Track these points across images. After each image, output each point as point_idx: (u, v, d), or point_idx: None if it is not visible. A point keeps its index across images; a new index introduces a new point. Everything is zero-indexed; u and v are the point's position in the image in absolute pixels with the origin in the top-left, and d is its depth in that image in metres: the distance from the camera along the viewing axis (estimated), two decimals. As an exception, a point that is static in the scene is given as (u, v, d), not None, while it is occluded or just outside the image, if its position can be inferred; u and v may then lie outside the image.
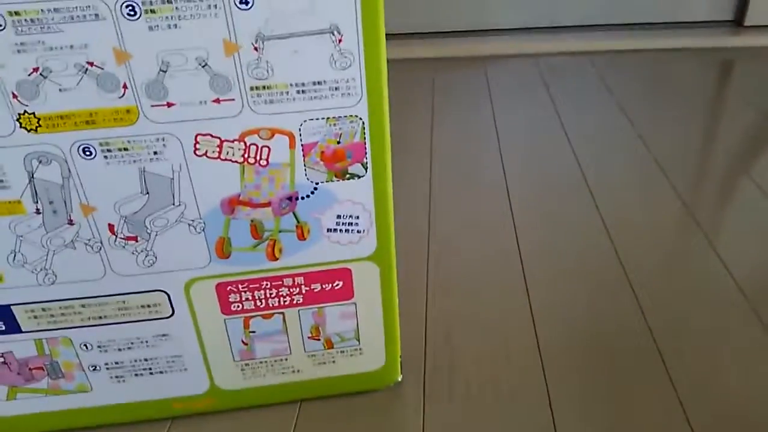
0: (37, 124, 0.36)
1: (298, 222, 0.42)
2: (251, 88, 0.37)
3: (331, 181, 0.41)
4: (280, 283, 0.44)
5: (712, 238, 0.71)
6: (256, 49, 0.36)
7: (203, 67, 0.36)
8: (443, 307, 0.62)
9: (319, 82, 0.37)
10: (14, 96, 0.35)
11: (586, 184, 0.83)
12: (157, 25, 0.34)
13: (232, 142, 0.38)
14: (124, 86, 0.36)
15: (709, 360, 0.55)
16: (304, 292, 0.45)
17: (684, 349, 0.56)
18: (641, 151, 0.91)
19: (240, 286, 0.44)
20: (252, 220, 0.41)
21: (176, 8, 0.34)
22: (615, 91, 1.12)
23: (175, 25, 0.34)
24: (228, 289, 0.43)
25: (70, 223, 0.39)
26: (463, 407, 0.51)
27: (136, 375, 0.47)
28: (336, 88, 0.38)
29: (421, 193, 0.82)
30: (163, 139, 0.37)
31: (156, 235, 0.40)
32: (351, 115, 0.39)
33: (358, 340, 0.48)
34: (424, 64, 1.28)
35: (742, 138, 0.95)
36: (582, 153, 0.91)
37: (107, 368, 0.46)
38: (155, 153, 0.38)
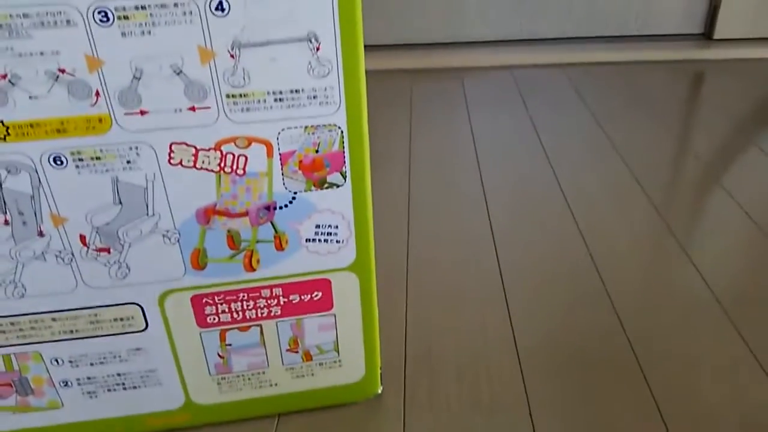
0: (6, 133, 0.35)
1: (276, 232, 0.41)
2: (227, 96, 0.36)
3: (310, 190, 0.40)
4: (258, 294, 0.43)
5: (685, 246, 0.72)
6: (232, 56, 0.35)
7: (178, 74, 0.35)
8: (423, 318, 0.61)
9: (296, 90, 0.37)
10: (-19, 103, 0.34)
11: (562, 194, 0.83)
12: (131, 32, 0.33)
13: (208, 150, 0.37)
14: (97, 94, 0.35)
15: (685, 365, 0.55)
16: (282, 303, 0.44)
17: (661, 356, 0.56)
18: (616, 161, 0.92)
19: (216, 298, 0.43)
20: (228, 231, 0.40)
21: (150, 15, 0.33)
22: (589, 103, 1.14)
23: (149, 32, 0.34)
24: (204, 301, 0.43)
25: (40, 234, 0.38)
26: (444, 419, 0.50)
27: (108, 390, 0.46)
28: (314, 97, 0.37)
29: (400, 203, 0.82)
30: (137, 148, 0.36)
31: (129, 246, 0.40)
32: (329, 124, 0.38)
33: (338, 352, 0.48)
34: (402, 75, 1.29)
35: (714, 148, 0.97)
36: (558, 163, 0.92)
37: (79, 384, 0.45)
38: (128, 162, 0.37)
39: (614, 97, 1.16)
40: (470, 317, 0.61)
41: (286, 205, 0.40)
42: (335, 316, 0.46)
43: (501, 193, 0.84)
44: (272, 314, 0.44)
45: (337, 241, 0.43)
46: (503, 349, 0.57)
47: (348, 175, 0.40)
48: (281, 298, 0.44)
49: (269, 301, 0.44)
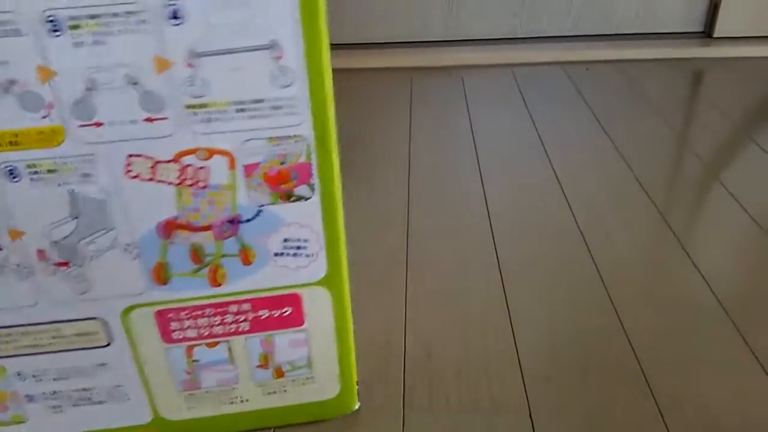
0: (-43, 145, 0.34)
1: (242, 246, 0.40)
2: (187, 107, 0.35)
3: (276, 203, 0.39)
4: (225, 310, 0.42)
5: (686, 245, 0.71)
6: (190, 65, 0.34)
7: (133, 84, 0.34)
8: (423, 318, 0.61)
9: (259, 101, 0.36)
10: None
11: (562, 193, 0.82)
12: (83, 42, 0.32)
13: (167, 162, 0.36)
14: (50, 105, 0.33)
15: (687, 368, 0.54)
16: (250, 319, 0.43)
17: (662, 358, 0.55)
18: (616, 159, 0.92)
19: (181, 314, 0.41)
20: (192, 245, 0.39)
21: (103, 24, 0.32)
22: (590, 101, 1.13)
23: (102, 42, 0.32)
24: (168, 316, 0.41)
25: (-3, 247, 0.37)
26: (444, 420, 0.50)
27: (74, 405, 0.44)
28: (278, 107, 0.36)
29: (399, 202, 0.81)
30: (93, 161, 0.35)
31: (89, 260, 0.38)
32: (295, 135, 0.37)
33: (311, 369, 0.46)
34: (402, 73, 1.28)
35: (714, 146, 0.96)
36: (558, 162, 0.91)
37: (44, 398, 0.44)
38: (85, 175, 0.36)
39: (614, 96, 1.15)
40: (470, 317, 0.61)
41: (252, 219, 0.39)
42: (307, 332, 0.44)
43: (501, 193, 0.83)
44: (241, 330, 0.43)
45: (306, 255, 0.41)
46: (503, 349, 0.57)
47: (316, 187, 0.39)
48: (249, 313, 0.42)
49: (237, 317, 0.42)
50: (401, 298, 0.64)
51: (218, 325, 0.42)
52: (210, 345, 0.43)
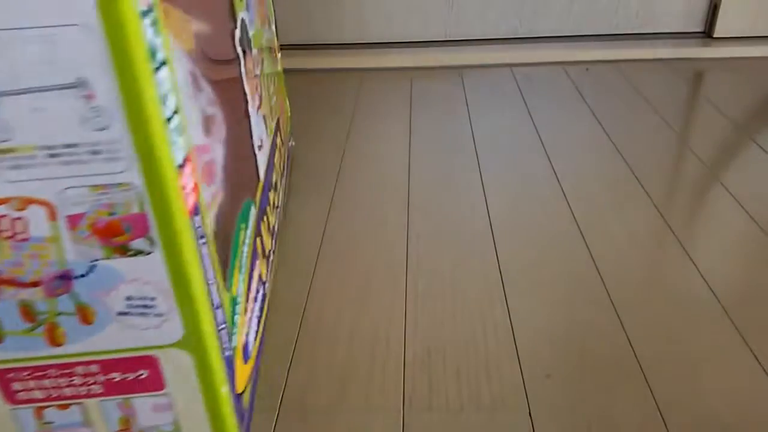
0: None
1: (78, 304, 0.35)
2: (-12, 152, 0.31)
3: (111, 257, 0.34)
4: (72, 371, 0.38)
5: (686, 245, 0.70)
6: (-16, 106, 0.30)
7: None
8: (422, 317, 0.59)
9: (72, 145, 0.31)
10: None
11: (562, 193, 0.81)
12: None
13: (-28, 214, 0.32)
14: None
15: (686, 366, 0.54)
16: (102, 381, 0.38)
17: (661, 355, 0.55)
18: (616, 159, 0.90)
19: (23, 374, 0.37)
20: (21, 302, 0.35)
21: None
22: (590, 101, 1.11)
23: None
24: (8, 376, 0.37)
25: None
26: (444, 419, 0.49)
27: (-72, 463, 0.41)
28: (96, 152, 0.31)
29: (399, 202, 0.80)
30: None
31: None
32: (121, 183, 0.32)
33: (183, 434, 0.42)
34: (402, 73, 1.27)
35: (714, 146, 0.93)
36: (558, 162, 0.89)
37: None
38: None
39: (614, 96, 1.13)
40: (470, 317, 0.60)
41: (85, 274, 0.35)
42: (170, 396, 0.40)
43: (501, 192, 0.82)
44: (93, 392, 0.39)
45: (156, 315, 0.36)
46: (503, 349, 0.56)
47: (156, 241, 0.34)
48: (99, 375, 0.38)
49: (86, 379, 0.38)
50: (401, 297, 0.63)
51: (66, 386, 0.38)
52: (61, 407, 0.39)
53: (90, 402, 0.39)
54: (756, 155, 0.90)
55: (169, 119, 0.33)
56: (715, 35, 1.32)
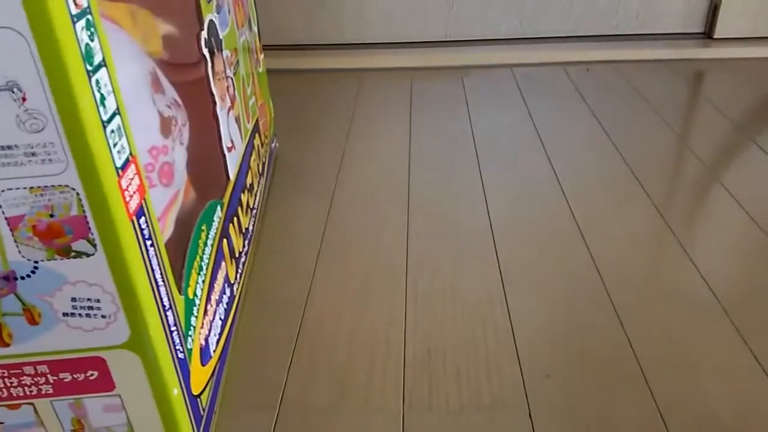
0: None
1: (24, 305, 0.36)
2: (-75, 154, 0.31)
3: (53, 259, 0.34)
4: (20, 371, 0.38)
5: (686, 245, 0.70)
6: None
7: None
8: (422, 317, 0.60)
9: (9, 147, 0.31)
10: None
11: (562, 193, 0.81)
12: None
13: None
14: None
15: (686, 366, 0.54)
16: (52, 381, 0.38)
17: (661, 355, 0.55)
18: (616, 160, 0.90)
19: (-27, 373, 0.38)
20: (-34, 302, 0.35)
21: None
22: (590, 101, 1.10)
23: None
24: (-42, 376, 0.38)
25: None
26: (444, 419, 0.49)
27: None
28: (33, 154, 0.31)
29: (399, 202, 0.80)
30: None
31: None
32: (59, 185, 0.32)
33: (136, 435, 0.42)
34: (402, 73, 1.26)
35: (715, 147, 0.93)
36: (558, 162, 0.89)
37: None
38: None
39: (614, 96, 1.13)
40: (470, 317, 0.60)
41: (28, 275, 0.35)
42: (121, 397, 0.40)
43: (501, 192, 0.82)
44: (43, 393, 0.39)
45: (102, 317, 0.36)
46: (503, 349, 0.56)
47: (97, 242, 0.34)
48: (49, 376, 0.38)
49: (36, 379, 0.38)
50: (401, 297, 0.63)
51: (16, 386, 0.38)
52: (11, 407, 0.39)
53: (41, 402, 0.39)
54: (756, 156, 0.90)
55: (108, 121, 0.33)
56: (715, 36, 1.30)
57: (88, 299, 0.36)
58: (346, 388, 0.52)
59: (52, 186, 0.32)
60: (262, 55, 0.82)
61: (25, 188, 0.32)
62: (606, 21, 1.32)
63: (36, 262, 0.34)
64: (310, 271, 0.67)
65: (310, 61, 1.28)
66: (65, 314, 0.36)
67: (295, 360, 0.55)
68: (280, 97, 1.12)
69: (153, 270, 0.37)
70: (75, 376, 0.38)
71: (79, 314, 0.36)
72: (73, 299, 0.36)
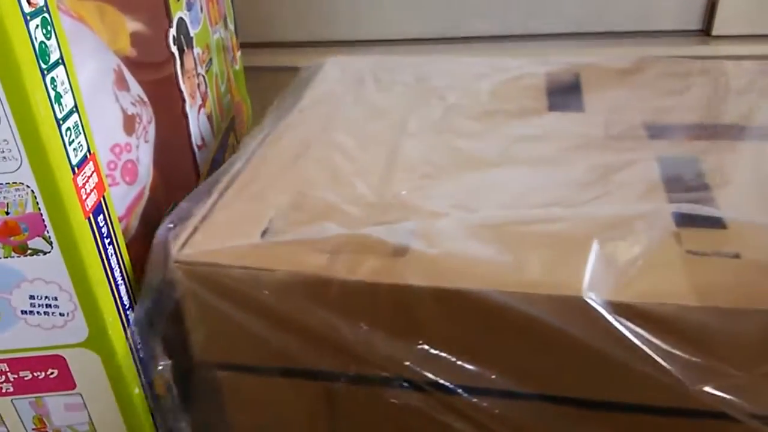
0: None
1: (-19, 302, 0.36)
2: None
3: (10, 256, 0.34)
4: (-21, 369, 0.38)
5: None
6: None
7: None
8: None
9: (-38, 145, 0.31)
10: None
11: None
12: None
13: None
14: None
15: None
16: (12, 380, 0.38)
17: None
18: None
19: (-69, 371, 0.38)
20: None
21: None
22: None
23: None
24: None
25: None
26: None
27: None
28: (-13, 152, 0.32)
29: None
30: None
31: None
32: (14, 183, 0.32)
33: (98, 433, 0.42)
34: None
35: None
36: None
37: None
38: None
39: None
40: None
41: (-15, 273, 0.35)
42: (82, 396, 0.40)
43: None
44: (4, 391, 0.39)
45: (60, 315, 0.36)
46: None
47: (53, 240, 0.34)
48: (9, 374, 0.38)
49: (-5, 377, 0.38)
50: None
51: (-25, 385, 0.38)
52: (-28, 406, 0.39)
53: (2, 401, 0.39)
54: (757, 156, 0.90)
55: (64, 119, 0.33)
56: (713, 33, 1.29)
57: (46, 297, 0.36)
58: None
59: (7, 183, 0.32)
60: (239, 53, 0.82)
61: (-21, 186, 0.32)
62: (602, 18, 1.30)
63: (-8, 259, 0.34)
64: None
65: (309, 61, 1.28)
66: (24, 312, 0.36)
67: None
68: (272, 95, 1.12)
69: (112, 268, 0.37)
70: (35, 374, 0.38)
71: (38, 312, 0.36)
72: (32, 297, 0.36)
